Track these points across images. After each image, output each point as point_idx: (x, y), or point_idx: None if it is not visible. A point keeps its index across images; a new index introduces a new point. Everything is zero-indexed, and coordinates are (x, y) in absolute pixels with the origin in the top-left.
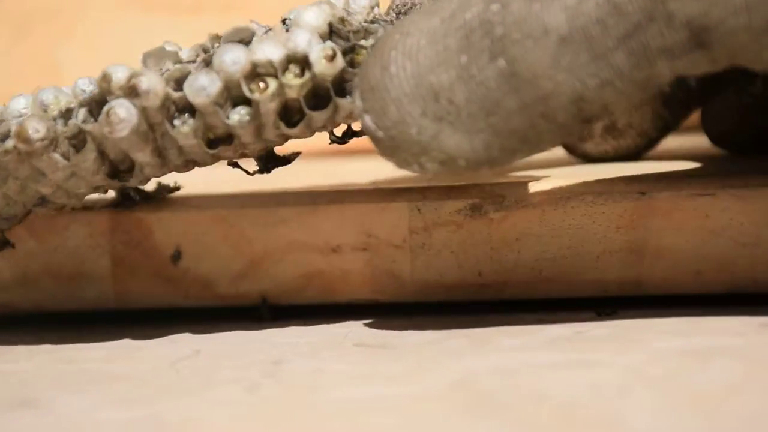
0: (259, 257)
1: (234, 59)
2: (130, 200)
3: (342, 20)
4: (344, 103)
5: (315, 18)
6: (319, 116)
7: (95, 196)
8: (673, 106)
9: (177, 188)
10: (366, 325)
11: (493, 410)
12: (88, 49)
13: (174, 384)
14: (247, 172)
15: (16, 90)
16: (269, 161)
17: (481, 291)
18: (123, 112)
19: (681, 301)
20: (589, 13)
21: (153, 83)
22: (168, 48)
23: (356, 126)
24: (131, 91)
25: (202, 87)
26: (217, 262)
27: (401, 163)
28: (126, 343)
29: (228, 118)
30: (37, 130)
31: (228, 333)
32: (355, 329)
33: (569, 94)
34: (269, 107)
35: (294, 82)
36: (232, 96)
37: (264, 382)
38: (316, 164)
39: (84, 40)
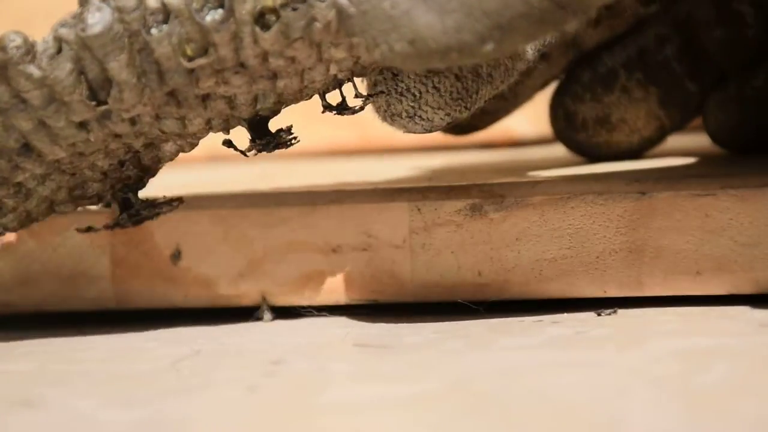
0: (259, 257)
1: None
2: (135, 216)
3: None
4: (320, 6)
5: None
6: (294, 18)
7: (93, 208)
8: (669, 106)
9: (181, 200)
10: (366, 325)
11: (493, 410)
12: None
13: (174, 384)
14: (243, 153)
15: None
16: (260, 130)
17: (481, 291)
18: (96, 11)
19: (681, 301)
20: None
21: None
22: None
23: (350, 97)
24: None
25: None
26: (217, 262)
27: (369, 44)
28: (126, 343)
29: (200, 17)
30: (13, 39)
31: (228, 333)
32: (355, 329)
33: None
34: (245, 7)
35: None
36: (207, 4)
37: (264, 382)
38: (316, 164)
39: None
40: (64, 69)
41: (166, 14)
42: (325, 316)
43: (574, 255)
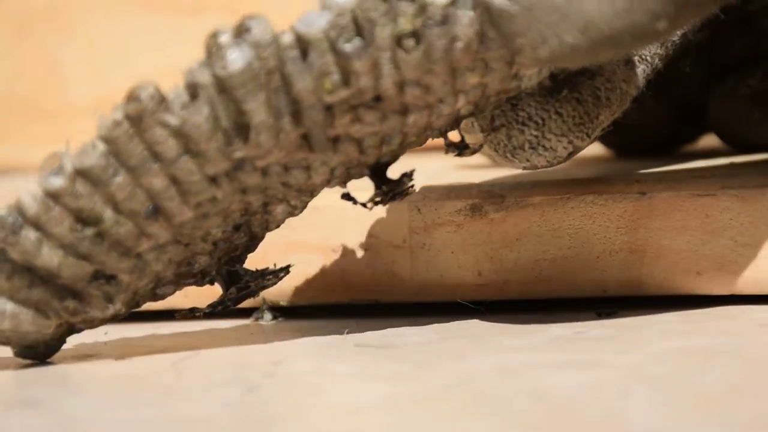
0: (259, 257)
1: None
2: (245, 290)
3: None
4: (462, 13)
5: None
6: (437, 37)
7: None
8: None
9: (287, 269)
10: (366, 325)
11: (493, 410)
12: (88, 49)
13: (174, 384)
14: (364, 205)
15: (17, 90)
16: (381, 176)
17: (481, 291)
18: (235, 48)
19: (681, 301)
20: None
21: (263, 20)
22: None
23: (470, 139)
24: (240, 29)
25: (314, 19)
26: None
27: (536, 41)
28: (126, 342)
29: (341, 47)
30: (144, 88)
31: (228, 333)
32: (355, 329)
33: None
34: (384, 32)
35: (409, 7)
36: (344, 30)
37: (264, 382)
38: None
39: (84, 40)
40: (201, 114)
41: (303, 47)
42: (325, 316)
43: (574, 255)
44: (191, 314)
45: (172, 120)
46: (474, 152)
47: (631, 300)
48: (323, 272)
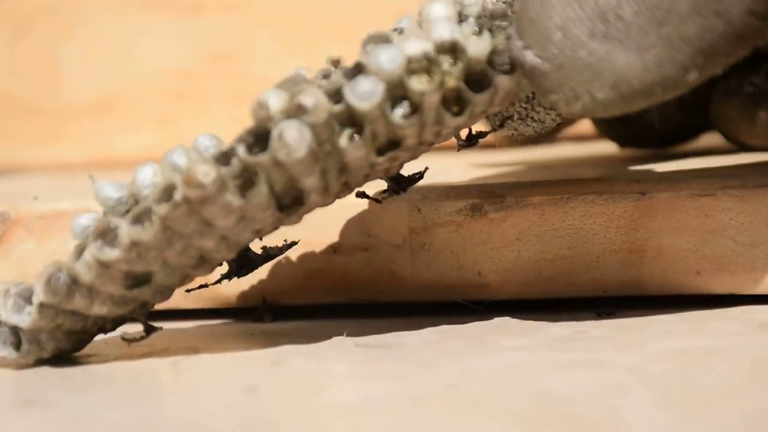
0: None
1: (391, 57)
2: (250, 265)
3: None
4: (503, 79)
5: (444, 10)
6: (481, 99)
7: None
8: None
9: (295, 243)
10: (366, 325)
11: (493, 410)
12: (88, 49)
13: (174, 384)
14: (377, 200)
15: (16, 90)
16: (401, 180)
17: (481, 291)
18: (295, 132)
19: (681, 301)
20: None
21: (317, 96)
22: (301, 73)
23: (480, 126)
24: (298, 110)
25: (367, 92)
26: None
27: (569, 98)
28: (126, 343)
29: (393, 117)
30: (206, 173)
31: (228, 333)
32: (355, 329)
33: None
34: (433, 99)
35: (453, 69)
36: (392, 97)
37: (264, 382)
38: None
39: (84, 40)
40: (261, 194)
41: (351, 116)
42: (325, 316)
43: (574, 255)
44: (202, 287)
45: (235, 202)
46: (482, 136)
47: (631, 300)
48: (323, 272)
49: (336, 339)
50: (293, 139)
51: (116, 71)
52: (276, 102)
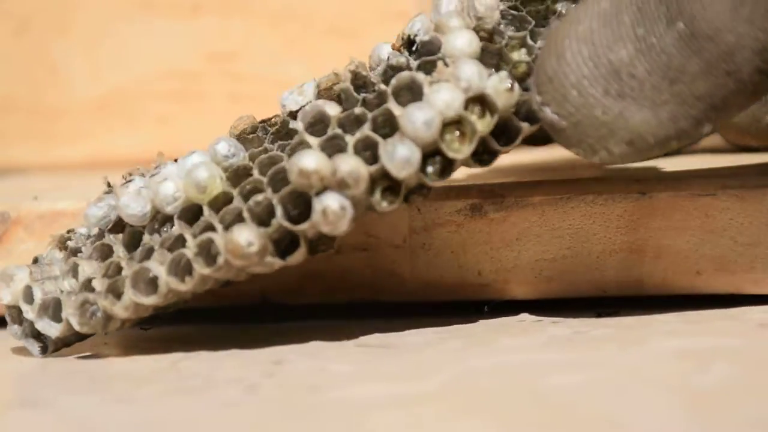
0: None
1: (427, 121)
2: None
3: (487, 33)
4: (525, 126)
5: (468, 44)
6: (506, 149)
7: None
8: None
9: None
10: (366, 325)
11: (493, 410)
12: (87, 49)
13: (174, 384)
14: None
15: (15, 90)
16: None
17: (481, 291)
18: (338, 209)
19: (681, 301)
20: None
21: (357, 169)
22: (329, 111)
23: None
24: (340, 184)
25: (405, 160)
26: None
27: (587, 152)
28: (126, 342)
29: (427, 178)
30: (251, 243)
31: (228, 333)
32: (355, 329)
33: (752, 45)
34: (464, 157)
35: (483, 126)
36: (425, 154)
37: (264, 382)
38: None
39: (83, 40)
40: (301, 255)
41: (385, 174)
42: (325, 316)
43: (574, 255)
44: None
45: (276, 264)
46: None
47: (631, 300)
48: (323, 272)
49: (336, 339)
50: (337, 216)
51: (116, 71)
52: (316, 169)
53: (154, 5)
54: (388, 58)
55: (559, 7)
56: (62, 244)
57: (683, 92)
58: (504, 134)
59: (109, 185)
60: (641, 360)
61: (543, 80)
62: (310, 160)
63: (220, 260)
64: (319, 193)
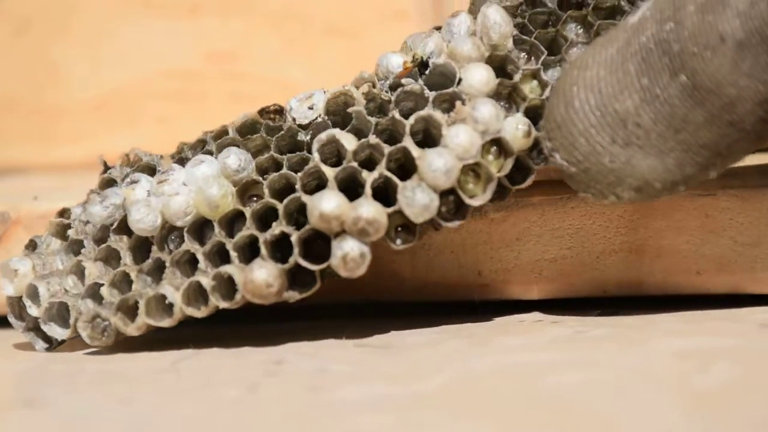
0: None
1: (447, 170)
2: None
3: (500, 60)
4: (538, 166)
5: (485, 82)
6: (518, 188)
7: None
8: None
9: None
10: (366, 325)
11: (492, 410)
12: (87, 49)
13: (174, 384)
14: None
15: (16, 90)
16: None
17: (481, 291)
18: (357, 255)
19: (681, 301)
20: (762, 15)
21: (378, 219)
22: (346, 145)
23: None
24: (361, 233)
25: (424, 206)
26: None
27: (597, 196)
28: (126, 343)
29: (442, 222)
30: (269, 284)
31: (228, 333)
32: (355, 329)
33: (754, 97)
34: (482, 203)
35: (499, 171)
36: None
37: (264, 381)
38: None
39: (83, 40)
40: (316, 287)
41: (403, 216)
42: (325, 316)
43: (574, 255)
44: None
45: (293, 297)
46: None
47: (631, 300)
48: None
49: (336, 339)
50: (356, 263)
51: (116, 71)
52: (338, 215)
53: (154, 5)
54: (402, 83)
55: (568, 33)
56: (62, 232)
57: (688, 141)
58: (517, 172)
59: (105, 165)
60: (641, 360)
61: (552, 127)
62: (331, 204)
63: (238, 297)
64: (338, 235)
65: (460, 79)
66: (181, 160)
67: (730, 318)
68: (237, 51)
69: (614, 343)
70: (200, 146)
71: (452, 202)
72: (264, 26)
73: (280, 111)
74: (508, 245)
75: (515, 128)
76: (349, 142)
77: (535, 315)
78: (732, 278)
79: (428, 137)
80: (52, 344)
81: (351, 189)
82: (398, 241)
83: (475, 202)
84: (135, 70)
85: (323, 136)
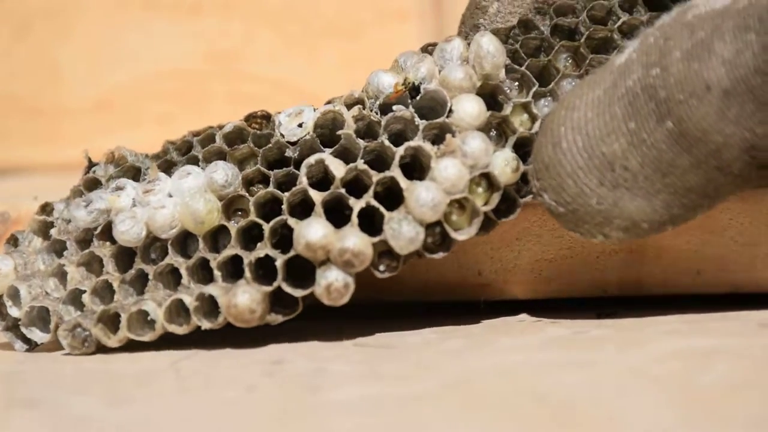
0: None
1: (434, 205)
2: None
3: (492, 90)
4: (524, 201)
5: (476, 116)
6: (504, 221)
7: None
8: None
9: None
10: (366, 325)
11: (492, 410)
12: (88, 49)
13: (174, 384)
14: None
15: (16, 90)
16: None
17: (481, 291)
18: (341, 285)
19: (681, 301)
20: (747, 64)
21: (363, 251)
22: (335, 172)
23: None
24: (346, 264)
25: (411, 240)
26: None
27: (585, 234)
28: (126, 343)
29: (426, 253)
30: (252, 310)
31: (228, 333)
32: (355, 329)
33: (740, 144)
34: (467, 237)
35: (483, 205)
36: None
37: (264, 382)
38: None
39: (83, 40)
40: (300, 310)
41: (388, 246)
42: (324, 316)
43: (574, 255)
44: None
45: (277, 320)
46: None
47: (631, 300)
48: None
49: (336, 339)
50: (340, 293)
51: (116, 71)
52: (323, 244)
53: (155, 5)
54: (393, 109)
55: (559, 63)
56: (44, 230)
57: (675, 184)
58: (503, 202)
59: (90, 162)
60: (641, 360)
61: (540, 167)
62: (318, 234)
63: (221, 319)
64: (323, 263)
65: (451, 110)
66: (167, 163)
67: (730, 318)
68: (237, 51)
69: (614, 343)
70: (185, 148)
71: (438, 234)
72: (264, 26)
73: (267, 117)
74: (508, 245)
75: (504, 163)
76: (337, 168)
77: (535, 315)
78: (732, 278)
79: (416, 161)
80: (32, 345)
81: (336, 209)
82: (381, 268)
83: (460, 236)
84: (135, 70)
85: (312, 159)
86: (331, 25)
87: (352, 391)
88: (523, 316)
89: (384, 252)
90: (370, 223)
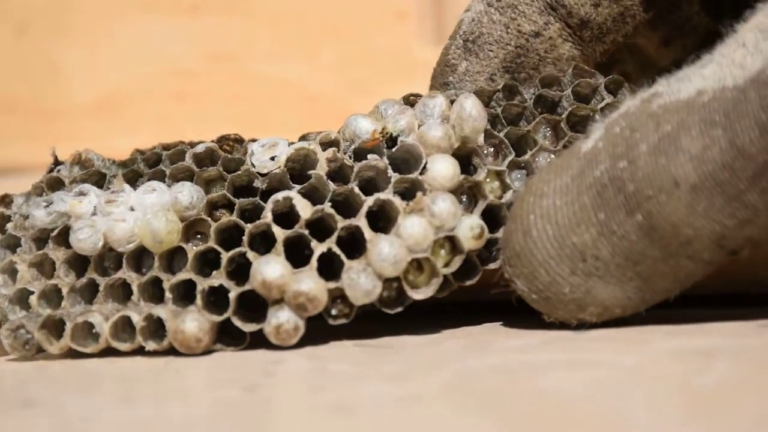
0: None
1: (395, 262)
2: None
3: (468, 153)
4: (489, 268)
5: (450, 178)
6: (463, 284)
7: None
8: None
9: None
10: (366, 325)
11: (492, 410)
12: (87, 49)
13: (174, 384)
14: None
15: (16, 90)
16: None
17: (481, 291)
18: (291, 327)
19: (681, 301)
20: (714, 159)
21: (318, 297)
22: (301, 213)
23: None
24: (299, 307)
25: (367, 293)
26: None
27: (560, 319)
28: None
29: (383, 308)
30: (199, 339)
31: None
32: (355, 329)
33: (710, 236)
34: (424, 297)
35: (444, 267)
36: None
37: (264, 382)
38: None
39: (83, 41)
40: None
41: (343, 296)
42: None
43: None
44: None
45: (225, 349)
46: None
47: None
48: None
49: (336, 339)
50: (289, 335)
51: (116, 71)
52: (279, 284)
53: (154, 5)
54: (368, 157)
55: (538, 136)
56: (0, 224)
57: (647, 272)
58: (464, 267)
59: (56, 160)
60: (641, 360)
61: (511, 255)
62: (275, 273)
63: (165, 342)
64: (276, 303)
65: (425, 167)
66: (134, 173)
67: (730, 318)
68: (237, 51)
69: (614, 343)
70: (154, 160)
71: (395, 289)
72: (264, 26)
73: (240, 141)
74: None
75: (469, 229)
76: (303, 208)
77: (535, 315)
78: (732, 278)
79: (383, 212)
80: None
81: (297, 245)
82: (334, 312)
83: (417, 296)
84: (135, 70)
85: (279, 196)
86: (331, 25)
87: (352, 391)
88: (524, 316)
89: (339, 296)
90: (329, 263)
